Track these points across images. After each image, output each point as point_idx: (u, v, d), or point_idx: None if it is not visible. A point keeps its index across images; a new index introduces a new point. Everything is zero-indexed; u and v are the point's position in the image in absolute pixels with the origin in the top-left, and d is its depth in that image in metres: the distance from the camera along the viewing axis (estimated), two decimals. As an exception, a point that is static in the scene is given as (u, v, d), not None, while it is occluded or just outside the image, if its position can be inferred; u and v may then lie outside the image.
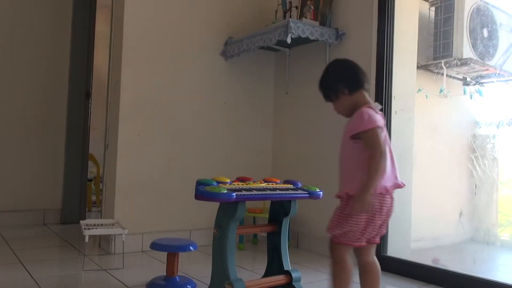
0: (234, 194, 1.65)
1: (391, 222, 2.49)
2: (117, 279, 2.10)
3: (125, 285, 2.02)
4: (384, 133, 1.51)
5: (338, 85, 1.60)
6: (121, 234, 2.29)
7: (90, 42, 3.71)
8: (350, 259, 1.55)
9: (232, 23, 3.08)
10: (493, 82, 3.17)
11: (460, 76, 3.19)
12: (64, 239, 2.98)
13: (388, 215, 1.53)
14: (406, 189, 2.65)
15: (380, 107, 1.57)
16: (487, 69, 3.10)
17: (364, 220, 1.48)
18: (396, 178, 1.54)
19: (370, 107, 1.53)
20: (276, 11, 2.98)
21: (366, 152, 1.47)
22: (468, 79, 3.20)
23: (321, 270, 2.36)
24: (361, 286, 1.61)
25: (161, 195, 2.78)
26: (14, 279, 2.02)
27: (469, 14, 3.00)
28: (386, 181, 1.49)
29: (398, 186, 1.54)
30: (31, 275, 2.06)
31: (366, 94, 1.59)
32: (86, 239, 2.18)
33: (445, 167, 3.10)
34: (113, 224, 2.41)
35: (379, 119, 1.52)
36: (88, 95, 3.69)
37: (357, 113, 1.52)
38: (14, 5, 3.42)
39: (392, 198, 1.54)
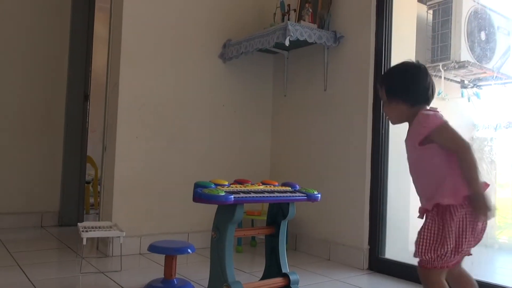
0: (232, 196, 1.65)
1: (389, 225, 2.51)
2: (115, 281, 2.09)
3: (123, 287, 2.02)
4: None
5: (403, 93, 1.45)
6: (119, 237, 2.28)
7: (89, 44, 3.72)
8: (445, 282, 1.35)
9: (230, 25, 3.09)
10: (490, 85, 3.18)
11: (458, 79, 3.20)
12: (62, 241, 2.98)
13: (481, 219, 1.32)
14: (405, 191, 2.65)
15: (441, 114, 1.41)
16: (485, 72, 3.11)
17: (454, 239, 1.29)
18: None
19: (428, 110, 1.41)
20: (275, 13, 2.98)
21: (439, 155, 1.33)
22: (466, 82, 3.21)
23: (319, 272, 2.36)
24: None
25: (159, 197, 2.77)
26: (12, 282, 2.02)
27: (467, 17, 3.01)
28: (465, 186, 1.29)
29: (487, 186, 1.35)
30: (28, 278, 2.06)
31: (427, 108, 1.45)
32: (84, 242, 2.18)
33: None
34: (111, 227, 2.41)
35: (442, 116, 1.38)
36: (86, 97, 3.69)
37: (416, 120, 1.37)
38: (13, 7, 3.42)
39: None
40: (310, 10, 2.76)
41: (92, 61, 3.76)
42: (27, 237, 3.10)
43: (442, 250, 1.30)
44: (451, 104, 3.22)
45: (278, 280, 1.86)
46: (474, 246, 1.36)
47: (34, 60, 3.50)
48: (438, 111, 1.42)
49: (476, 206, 1.27)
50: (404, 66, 1.51)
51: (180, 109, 2.88)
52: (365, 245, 2.50)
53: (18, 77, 3.44)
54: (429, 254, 1.31)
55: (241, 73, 3.15)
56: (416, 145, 1.37)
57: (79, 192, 3.66)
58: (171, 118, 2.84)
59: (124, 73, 2.67)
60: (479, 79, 3.18)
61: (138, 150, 2.70)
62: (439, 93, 3.10)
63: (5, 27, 3.39)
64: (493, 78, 3.13)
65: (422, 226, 1.37)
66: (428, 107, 1.46)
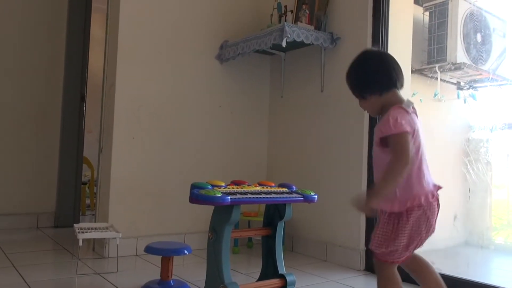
0: (229, 197, 1.65)
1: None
2: (111, 283, 2.09)
3: (119, 289, 2.02)
4: (417, 136, 1.38)
5: (366, 86, 1.46)
6: (115, 238, 2.28)
7: (85, 45, 3.71)
8: (398, 276, 1.46)
9: (227, 26, 3.09)
10: (486, 86, 3.20)
11: (454, 81, 3.21)
12: (57, 243, 2.96)
13: (435, 219, 1.42)
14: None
15: (412, 104, 1.42)
16: (481, 74, 3.13)
17: (407, 237, 1.38)
18: (433, 182, 1.43)
19: (401, 107, 1.39)
20: (272, 15, 2.99)
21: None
22: (462, 83, 3.22)
23: (315, 273, 2.36)
24: (423, 282, 1.52)
25: (155, 198, 2.77)
26: (8, 283, 2.00)
27: (463, 19, 3.02)
28: (430, 187, 1.40)
29: (438, 188, 1.43)
30: (24, 280, 2.05)
31: (399, 93, 1.46)
32: (80, 243, 2.17)
33: (439, 171, 3.11)
34: (107, 228, 2.40)
35: (410, 121, 1.37)
36: (83, 98, 3.68)
37: (386, 115, 1.37)
38: (9, 8, 3.41)
39: (437, 203, 1.42)
40: (307, 12, 2.76)
41: (88, 61, 3.76)
42: (23, 239, 3.08)
43: (393, 247, 1.38)
44: (447, 106, 3.23)
45: (275, 281, 1.86)
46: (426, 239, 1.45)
47: (31, 61, 3.49)
48: (411, 110, 1.41)
49: (360, 201, 1.38)
50: (360, 58, 1.51)
51: (176, 110, 2.88)
52: (362, 246, 2.51)
53: (14, 78, 3.43)
54: (381, 249, 1.40)
55: (238, 74, 3.15)
56: (377, 140, 1.40)
57: (75, 193, 3.65)
58: (167, 119, 2.84)
59: (120, 74, 2.66)
60: (475, 81, 3.19)
61: (134, 151, 2.70)
62: (435, 95, 3.11)
63: (1, 28, 3.38)
64: (488, 79, 3.15)
65: (378, 221, 1.45)
66: (398, 91, 1.46)
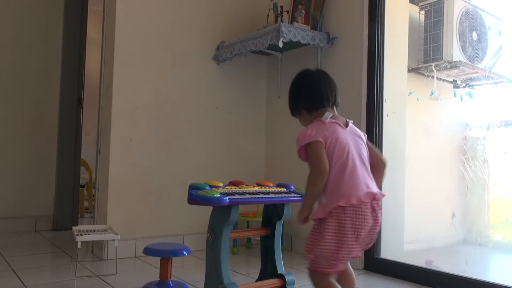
0: (227, 198, 1.66)
1: (385, 225, 2.51)
2: (110, 285, 2.09)
3: (118, 291, 2.02)
4: (340, 143, 1.40)
5: (297, 106, 1.56)
6: (114, 240, 2.28)
7: (82, 47, 3.71)
8: (333, 283, 1.40)
9: (224, 27, 3.09)
10: (482, 84, 3.21)
11: (451, 79, 3.22)
12: (56, 245, 2.96)
13: (371, 227, 1.38)
14: (399, 191, 2.66)
15: (330, 115, 1.46)
16: (477, 72, 3.13)
17: (333, 243, 1.34)
18: (368, 187, 1.39)
19: (319, 120, 1.46)
20: (268, 15, 2.99)
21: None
22: (458, 81, 3.23)
23: (315, 273, 2.36)
24: None
25: (154, 200, 2.77)
26: (6, 287, 2.00)
27: (458, 18, 3.03)
28: (358, 191, 1.36)
29: (373, 196, 1.37)
30: (23, 283, 2.05)
31: (329, 110, 1.50)
32: (79, 245, 2.17)
33: (436, 169, 3.12)
34: (105, 230, 2.40)
35: (325, 130, 1.41)
36: (80, 100, 3.68)
37: (302, 131, 1.45)
38: (5, 10, 3.40)
39: (372, 208, 1.37)
40: (303, 12, 2.77)
41: (85, 64, 3.75)
42: (21, 242, 3.08)
43: (318, 252, 1.36)
44: (444, 104, 3.24)
45: (274, 281, 1.87)
46: (363, 249, 1.42)
47: (27, 64, 3.48)
48: (334, 121, 1.44)
49: (298, 213, 1.42)
50: (294, 79, 1.61)
51: (174, 112, 2.88)
52: (360, 245, 2.51)
53: (11, 81, 3.42)
54: (309, 256, 1.39)
55: (235, 75, 3.15)
56: (301, 157, 1.45)
57: (73, 195, 3.64)
58: (165, 120, 2.84)
59: (117, 76, 2.66)
60: (471, 79, 3.20)
61: (132, 153, 2.70)
62: (432, 93, 3.12)
63: (-3, 31, 3.38)
64: (485, 77, 3.16)
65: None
66: (329, 110, 1.50)
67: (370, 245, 1.43)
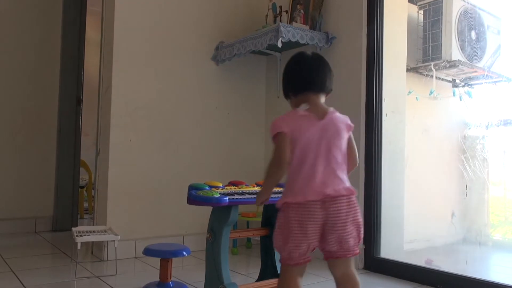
0: (227, 198, 1.66)
1: (384, 224, 2.52)
2: (110, 286, 2.08)
3: (118, 291, 2.02)
4: (306, 137, 1.38)
5: (284, 87, 1.55)
6: (114, 241, 2.27)
7: (81, 48, 3.71)
8: (294, 281, 1.39)
9: (223, 27, 3.09)
10: (481, 83, 3.21)
11: (449, 78, 3.22)
12: (56, 246, 2.96)
13: (329, 227, 1.34)
14: (399, 191, 2.67)
15: (306, 107, 1.43)
16: (476, 71, 3.14)
17: (282, 235, 1.36)
18: (325, 186, 1.35)
19: (293, 111, 1.45)
20: (267, 15, 2.99)
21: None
22: (457, 81, 3.23)
23: (314, 273, 2.36)
24: None
25: (153, 200, 2.77)
26: (6, 288, 2.00)
27: (457, 17, 3.03)
28: (308, 189, 1.34)
29: (323, 195, 1.33)
30: (23, 284, 2.04)
31: (313, 96, 1.46)
32: (79, 246, 2.17)
33: (436, 169, 3.12)
34: (105, 231, 2.40)
35: (293, 122, 1.40)
36: (79, 101, 3.68)
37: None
38: (4, 11, 3.40)
39: (324, 208, 1.33)
40: (302, 12, 2.77)
41: (84, 65, 3.75)
42: (21, 243, 3.07)
43: (275, 242, 1.39)
44: (443, 103, 3.24)
45: (274, 281, 1.86)
46: (338, 249, 1.37)
47: (26, 65, 3.48)
48: (297, 113, 1.42)
49: (257, 197, 1.50)
50: (287, 62, 1.57)
51: (173, 112, 2.88)
52: (360, 245, 2.51)
53: (10, 82, 3.42)
54: (275, 244, 1.40)
55: (234, 75, 3.15)
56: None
57: (73, 196, 3.64)
58: (164, 121, 2.84)
59: (116, 77, 2.66)
60: (470, 78, 3.20)
61: (131, 154, 2.70)
62: (431, 93, 3.12)
63: (-4, 32, 3.38)
64: (484, 76, 3.16)
65: None
66: (315, 94, 1.47)
67: (344, 245, 1.37)
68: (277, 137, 1.38)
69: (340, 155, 1.42)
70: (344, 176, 1.42)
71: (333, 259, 1.40)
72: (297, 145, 1.38)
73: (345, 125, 1.46)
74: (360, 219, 1.40)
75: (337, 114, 1.47)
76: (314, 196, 1.34)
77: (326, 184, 1.36)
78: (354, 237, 1.38)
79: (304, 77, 1.49)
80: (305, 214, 1.34)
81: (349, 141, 1.48)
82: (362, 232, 1.40)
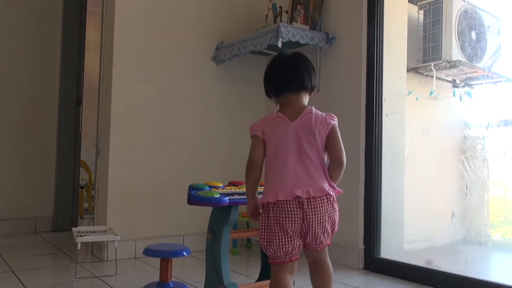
0: (227, 198, 1.66)
1: (384, 224, 2.52)
2: (110, 286, 2.08)
3: (118, 292, 2.02)
4: (279, 140, 1.42)
5: (266, 90, 1.58)
6: (114, 241, 2.27)
7: (81, 48, 3.71)
8: (283, 280, 1.41)
9: (223, 27, 3.09)
10: (482, 84, 3.21)
11: (450, 78, 3.22)
12: (56, 247, 2.96)
13: (306, 225, 1.37)
14: (399, 191, 2.67)
15: (276, 110, 1.49)
16: (476, 71, 3.13)
17: (264, 235, 1.40)
18: (296, 185, 1.36)
19: (268, 116, 1.50)
20: (267, 15, 2.99)
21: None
22: (458, 81, 3.23)
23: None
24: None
25: (153, 200, 2.77)
26: (6, 288, 2.00)
27: (457, 17, 3.03)
28: (279, 189, 1.37)
29: (292, 194, 1.35)
30: (23, 284, 2.04)
31: (293, 96, 1.49)
32: (79, 246, 2.17)
33: (436, 169, 3.12)
34: (105, 231, 2.40)
35: (264, 125, 1.46)
36: (79, 101, 3.68)
37: None
38: (3, 12, 3.40)
39: (298, 207, 1.36)
40: (302, 12, 2.77)
41: (84, 65, 3.75)
42: (21, 243, 3.07)
43: (264, 245, 1.41)
44: (443, 104, 3.24)
45: (274, 282, 1.86)
46: (313, 243, 1.42)
47: (26, 65, 3.48)
48: (271, 116, 1.47)
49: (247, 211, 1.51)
50: (267, 65, 1.59)
51: (173, 112, 2.88)
52: (360, 245, 2.51)
53: (10, 82, 3.42)
54: (261, 246, 1.44)
55: (234, 75, 3.15)
56: None
57: (73, 197, 3.64)
58: (164, 121, 2.84)
59: (116, 77, 2.66)
60: (471, 78, 3.20)
61: (131, 154, 2.70)
62: (431, 93, 3.12)
63: (-4, 32, 3.38)
64: (484, 77, 3.16)
65: None
66: (295, 94, 1.49)
67: (316, 241, 1.41)
68: (252, 140, 1.48)
69: (315, 154, 1.41)
70: (319, 175, 1.41)
71: (305, 249, 1.46)
72: (269, 147, 1.44)
73: (321, 124, 1.43)
74: (337, 218, 1.45)
75: (314, 113, 1.46)
76: (285, 196, 1.36)
77: (298, 185, 1.37)
78: (328, 234, 1.44)
79: (282, 77, 1.51)
80: (283, 213, 1.37)
81: (328, 138, 1.44)
82: (336, 228, 1.46)
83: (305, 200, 1.36)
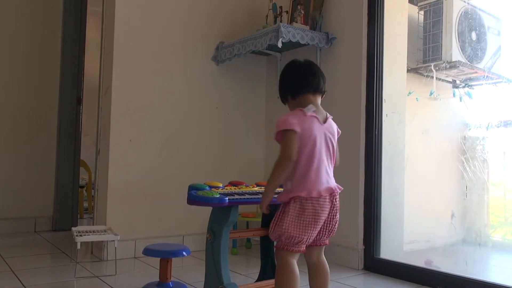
0: (227, 198, 1.65)
1: (384, 225, 2.52)
2: (110, 286, 2.08)
3: (118, 291, 2.02)
4: (313, 138, 1.52)
5: (283, 90, 1.66)
6: (114, 241, 2.27)
7: (81, 48, 3.71)
8: (294, 263, 1.55)
9: (223, 28, 3.09)
10: (482, 84, 3.21)
11: (450, 79, 3.22)
12: (56, 246, 2.96)
13: (331, 218, 1.57)
14: (399, 191, 2.67)
15: (314, 109, 1.57)
16: (476, 72, 3.14)
17: (294, 225, 1.50)
18: (328, 182, 1.54)
19: (300, 110, 1.55)
20: (267, 15, 2.99)
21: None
22: (458, 81, 3.23)
23: (314, 273, 2.37)
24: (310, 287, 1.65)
25: (153, 200, 2.77)
26: None
27: (458, 18, 3.03)
28: (319, 185, 1.51)
29: (331, 190, 1.54)
30: (23, 284, 2.04)
31: (311, 97, 1.61)
32: (78, 246, 2.17)
33: (436, 169, 3.12)
34: (105, 231, 2.40)
35: (303, 123, 1.51)
36: (79, 101, 3.68)
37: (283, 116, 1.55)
38: (4, 12, 3.40)
39: (331, 201, 1.54)
40: (302, 12, 2.77)
41: (84, 64, 3.76)
42: (21, 243, 3.07)
43: (280, 231, 1.52)
44: (443, 104, 3.24)
45: (274, 282, 1.86)
46: (327, 237, 1.62)
47: (26, 65, 3.48)
48: (311, 114, 1.54)
49: (261, 201, 1.57)
50: (283, 69, 1.72)
51: (173, 112, 2.88)
52: (360, 246, 2.51)
53: (10, 82, 3.42)
54: (273, 235, 1.56)
55: (234, 75, 3.15)
56: (274, 137, 1.57)
57: (72, 196, 3.64)
58: (164, 121, 2.84)
59: (116, 77, 2.66)
60: (471, 79, 3.20)
61: (131, 153, 2.70)
62: (431, 93, 3.12)
63: (-4, 32, 3.38)
64: (484, 77, 3.16)
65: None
66: (313, 96, 1.61)
67: (332, 234, 1.61)
68: (286, 134, 1.49)
69: (333, 156, 1.60)
70: (332, 174, 1.61)
71: (312, 247, 1.60)
72: (307, 144, 1.51)
73: (337, 132, 1.64)
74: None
75: (332, 119, 1.64)
76: (324, 192, 1.51)
77: (329, 181, 1.55)
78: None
79: (302, 78, 1.62)
80: (320, 207, 1.51)
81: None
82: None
83: (333, 195, 1.54)
